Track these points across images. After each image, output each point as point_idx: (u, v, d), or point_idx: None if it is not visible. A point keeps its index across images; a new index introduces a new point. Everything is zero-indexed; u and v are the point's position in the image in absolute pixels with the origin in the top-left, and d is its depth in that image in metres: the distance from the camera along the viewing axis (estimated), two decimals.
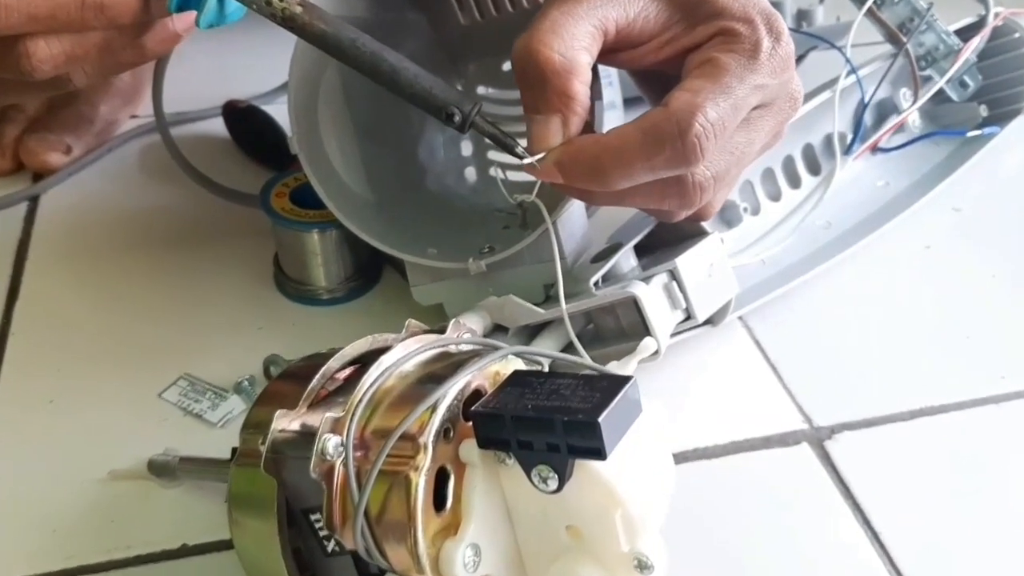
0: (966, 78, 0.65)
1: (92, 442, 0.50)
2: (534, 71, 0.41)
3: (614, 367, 0.39)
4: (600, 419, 0.31)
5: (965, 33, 0.66)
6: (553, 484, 0.33)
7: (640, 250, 0.51)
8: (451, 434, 0.34)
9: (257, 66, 0.76)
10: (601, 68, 0.50)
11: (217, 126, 0.74)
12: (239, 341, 0.56)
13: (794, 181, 0.62)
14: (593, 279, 0.48)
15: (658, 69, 0.45)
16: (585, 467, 0.33)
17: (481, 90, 0.64)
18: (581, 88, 0.41)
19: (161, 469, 0.47)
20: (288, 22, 0.39)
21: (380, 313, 0.58)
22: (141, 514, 0.46)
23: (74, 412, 0.52)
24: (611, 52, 0.44)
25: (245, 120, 0.73)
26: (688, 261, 0.48)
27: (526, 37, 0.41)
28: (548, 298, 0.52)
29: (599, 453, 0.31)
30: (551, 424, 0.32)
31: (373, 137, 0.58)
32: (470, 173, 0.65)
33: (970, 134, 0.65)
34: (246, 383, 0.52)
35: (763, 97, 0.43)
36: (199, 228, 0.65)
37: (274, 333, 0.57)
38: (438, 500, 0.34)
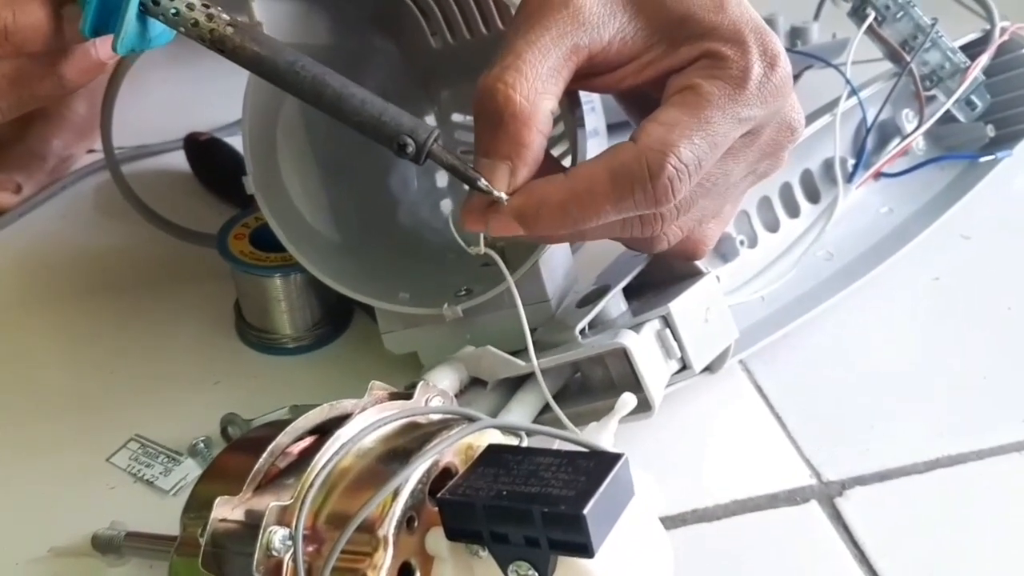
0: (974, 98, 0.62)
1: (32, 514, 0.46)
2: (492, 111, 0.37)
3: (592, 429, 0.34)
4: (585, 511, 0.27)
5: (969, 50, 0.62)
6: None
7: (630, 292, 0.47)
8: (415, 523, 0.30)
9: (221, 96, 0.72)
10: (583, 93, 0.46)
11: (179, 160, 0.70)
12: (195, 397, 0.51)
13: (792, 210, 0.59)
14: (579, 326, 0.44)
15: (641, 92, 0.41)
16: (569, 563, 0.28)
17: (456, 117, 0.61)
18: (537, 138, 0.38)
19: (106, 546, 0.43)
20: (218, 44, 0.35)
21: (350, 361, 0.54)
22: None
23: (13, 479, 0.48)
24: (586, 77, 0.40)
25: (207, 153, 0.69)
26: (682, 305, 0.44)
27: (488, 74, 0.38)
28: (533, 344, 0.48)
29: (585, 549, 0.27)
30: (529, 516, 0.28)
31: (339, 172, 0.54)
32: (446, 205, 0.61)
33: (983, 159, 0.61)
34: (201, 445, 0.48)
35: (750, 128, 0.39)
36: (156, 271, 0.61)
37: (234, 387, 0.52)
38: None
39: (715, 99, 0.37)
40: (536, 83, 0.37)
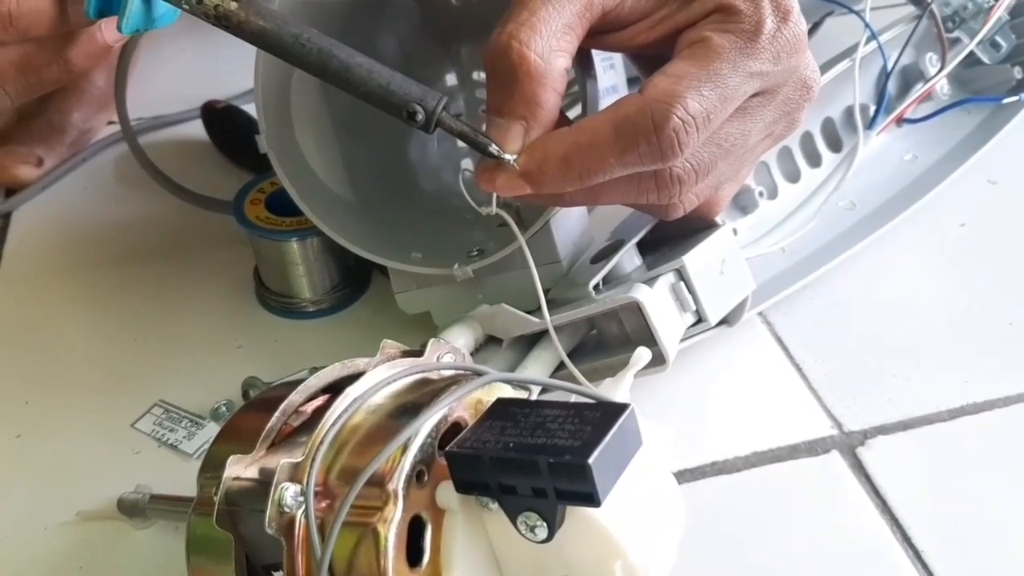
0: (998, 38, 0.60)
1: (60, 479, 0.47)
2: (506, 70, 0.37)
3: (607, 385, 0.34)
4: (591, 460, 0.27)
5: None
6: (542, 533, 0.29)
7: (645, 247, 0.47)
8: (425, 477, 0.30)
9: (238, 64, 0.72)
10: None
11: (197, 129, 0.70)
12: (217, 362, 0.52)
13: (813, 159, 0.58)
14: (593, 282, 0.44)
15: (653, 51, 0.40)
16: (578, 513, 0.28)
17: (477, 76, 0.60)
18: (551, 97, 0.37)
19: (131, 509, 0.44)
20: (223, 20, 0.35)
21: (370, 324, 0.54)
22: (110, 559, 0.43)
23: (42, 447, 0.48)
24: (598, 34, 0.39)
25: (224, 121, 0.69)
26: (697, 258, 0.43)
27: (502, 31, 0.37)
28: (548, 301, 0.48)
29: (591, 499, 0.27)
30: (535, 466, 0.28)
31: (355, 130, 0.54)
32: (467, 165, 0.60)
33: (1006, 101, 0.60)
34: (223, 408, 0.48)
35: (762, 85, 0.38)
36: (177, 240, 0.61)
37: (255, 351, 0.53)
38: (414, 553, 0.30)
39: (725, 52, 0.37)
40: (551, 40, 0.37)
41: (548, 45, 0.36)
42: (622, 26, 0.39)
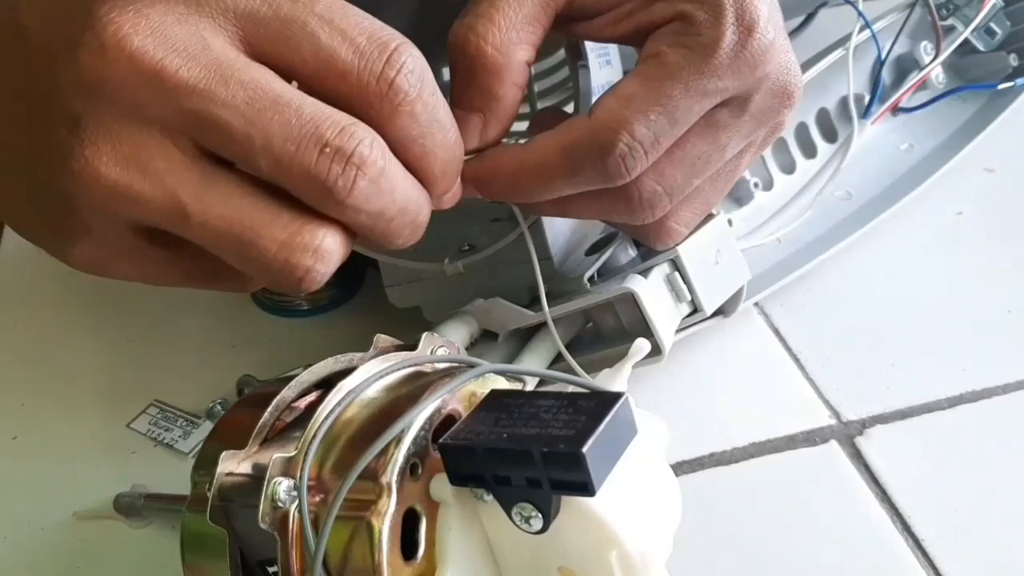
0: (993, 25, 0.60)
1: (57, 480, 0.46)
2: (464, 62, 0.36)
3: (606, 376, 0.34)
4: (584, 449, 0.26)
5: None
6: (537, 524, 0.28)
7: None
8: (419, 470, 0.30)
9: None
10: (598, 44, 0.45)
11: None
12: (212, 361, 0.52)
13: (808, 150, 0.57)
14: (587, 274, 0.44)
15: (625, 44, 0.40)
16: (573, 503, 0.28)
17: None
18: (510, 91, 0.36)
19: (128, 508, 0.43)
20: None
21: (364, 321, 0.54)
22: (107, 559, 0.43)
23: (38, 448, 0.48)
24: (567, 22, 0.38)
25: None
26: (691, 248, 0.43)
27: (461, 22, 0.36)
28: (535, 299, 0.47)
29: (586, 488, 0.27)
30: (528, 456, 0.27)
31: None
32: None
33: (1001, 87, 0.60)
34: (219, 407, 0.48)
35: (723, 99, 0.36)
36: None
37: (249, 350, 0.53)
38: (409, 546, 0.29)
39: (678, 71, 0.35)
40: (510, 33, 0.36)
41: (507, 38, 0.35)
42: (590, 15, 0.38)
